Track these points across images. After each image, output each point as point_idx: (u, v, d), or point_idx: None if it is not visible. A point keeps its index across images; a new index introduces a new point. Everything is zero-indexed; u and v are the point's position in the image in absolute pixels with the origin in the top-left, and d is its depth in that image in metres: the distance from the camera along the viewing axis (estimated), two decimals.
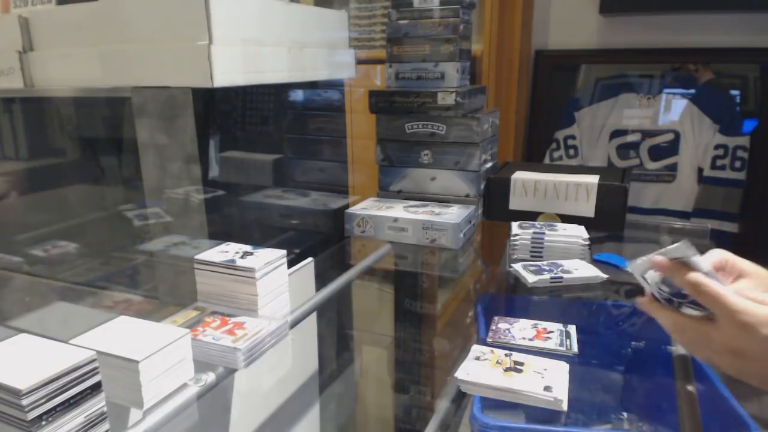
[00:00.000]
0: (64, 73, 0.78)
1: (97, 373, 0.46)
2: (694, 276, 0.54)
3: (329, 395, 1.11)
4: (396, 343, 1.34)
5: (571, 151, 1.82)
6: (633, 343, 0.97)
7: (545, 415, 0.66)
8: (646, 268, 0.60)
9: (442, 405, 0.73)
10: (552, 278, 0.92)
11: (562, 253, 1.00)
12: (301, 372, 0.96)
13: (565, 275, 0.92)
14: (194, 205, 0.85)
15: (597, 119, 1.80)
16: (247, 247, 0.74)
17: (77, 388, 0.45)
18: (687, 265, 0.55)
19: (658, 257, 0.56)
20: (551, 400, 0.65)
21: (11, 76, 0.81)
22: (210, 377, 0.60)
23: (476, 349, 0.75)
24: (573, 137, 1.82)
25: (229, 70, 0.70)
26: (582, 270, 0.94)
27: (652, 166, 1.75)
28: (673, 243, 0.56)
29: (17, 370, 0.43)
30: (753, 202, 1.66)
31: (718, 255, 0.59)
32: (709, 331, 0.53)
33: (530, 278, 0.92)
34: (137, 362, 0.52)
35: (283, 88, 1.10)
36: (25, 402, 0.41)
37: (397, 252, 1.09)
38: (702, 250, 0.58)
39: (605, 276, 0.93)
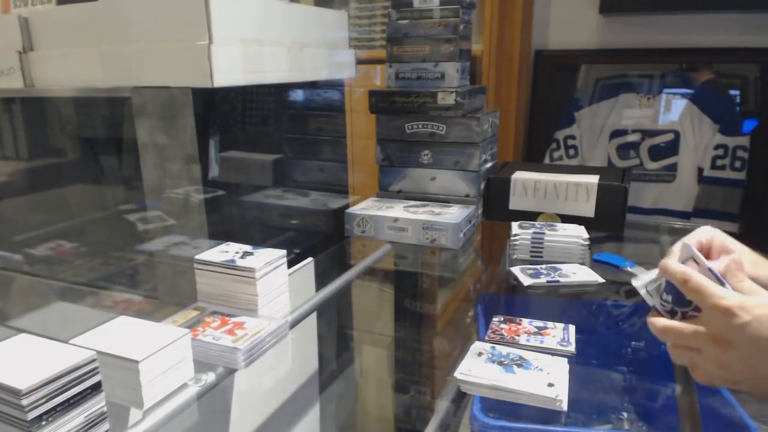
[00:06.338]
0: (64, 73, 0.78)
1: (97, 373, 0.46)
2: (681, 270, 0.53)
3: (329, 395, 1.11)
4: (396, 343, 1.34)
5: (571, 151, 1.82)
6: (633, 343, 0.97)
7: (545, 415, 0.66)
8: (647, 280, 0.60)
9: (442, 405, 0.73)
10: (549, 281, 0.92)
11: (562, 253, 1.00)
12: (301, 372, 0.96)
13: (562, 279, 0.92)
14: (194, 205, 0.84)
15: (597, 119, 1.80)
16: (247, 247, 0.74)
17: (77, 388, 0.45)
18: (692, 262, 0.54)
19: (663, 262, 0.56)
20: (551, 399, 0.65)
21: (11, 76, 0.81)
22: (210, 377, 0.60)
23: (476, 348, 0.75)
24: (573, 137, 1.82)
25: (229, 70, 0.70)
26: (579, 274, 0.94)
27: (652, 166, 1.74)
28: (671, 244, 0.56)
29: (17, 370, 0.43)
30: (753, 202, 1.66)
31: (705, 233, 0.59)
32: (696, 327, 0.52)
33: (526, 282, 0.92)
34: (137, 362, 0.52)
35: (283, 88, 1.09)
36: (25, 402, 0.41)
37: (397, 252, 1.09)
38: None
39: (602, 280, 0.93)
